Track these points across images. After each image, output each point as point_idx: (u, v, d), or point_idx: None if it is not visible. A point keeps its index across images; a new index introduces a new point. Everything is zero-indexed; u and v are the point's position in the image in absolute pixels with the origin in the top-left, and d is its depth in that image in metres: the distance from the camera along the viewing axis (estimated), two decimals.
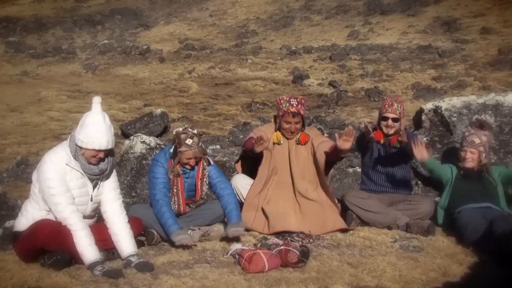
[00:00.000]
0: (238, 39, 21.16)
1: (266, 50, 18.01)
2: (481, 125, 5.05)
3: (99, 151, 3.94)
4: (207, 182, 4.77)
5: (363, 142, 5.24)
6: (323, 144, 4.93)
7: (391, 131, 5.06)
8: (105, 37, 22.55)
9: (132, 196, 5.63)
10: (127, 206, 4.53)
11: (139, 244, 4.37)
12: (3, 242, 4.33)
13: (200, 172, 4.72)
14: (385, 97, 5.18)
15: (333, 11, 23.05)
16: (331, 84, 12.96)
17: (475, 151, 4.91)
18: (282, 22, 22.88)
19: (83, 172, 3.98)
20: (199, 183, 4.73)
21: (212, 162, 4.84)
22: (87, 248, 3.84)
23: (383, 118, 5.05)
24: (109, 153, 4.05)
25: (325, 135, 7.28)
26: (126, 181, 5.67)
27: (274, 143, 4.99)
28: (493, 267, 3.98)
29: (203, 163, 4.71)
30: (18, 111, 10.78)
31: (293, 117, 4.88)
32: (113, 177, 4.22)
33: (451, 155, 5.35)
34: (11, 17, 24.30)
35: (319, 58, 15.97)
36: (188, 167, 4.65)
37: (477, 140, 4.92)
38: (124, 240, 4.06)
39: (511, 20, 17.59)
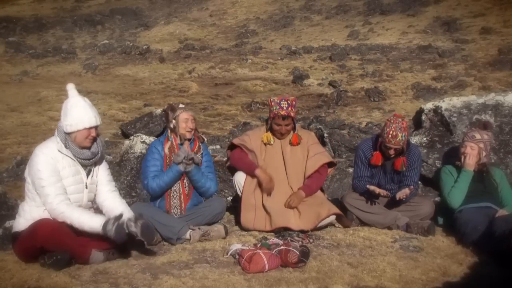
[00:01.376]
0: (238, 39, 21.18)
1: (266, 50, 18.03)
2: (485, 126, 5.06)
3: (90, 128, 3.97)
4: (201, 161, 4.87)
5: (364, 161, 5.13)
6: (316, 157, 5.00)
7: (393, 155, 4.98)
8: (105, 37, 22.58)
9: (132, 196, 5.62)
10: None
11: (139, 244, 4.35)
12: (3, 242, 4.33)
13: (196, 147, 4.83)
14: (389, 121, 4.91)
15: (333, 11, 23.08)
16: (331, 84, 12.97)
17: (474, 146, 4.90)
18: (282, 22, 22.89)
19: (75, 159, 4.00)
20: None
21: (205, 139, 5.01)
22: (91, 220, 3.88)
23: (386, 147, 4.92)
24: (97, 134, 4.09)
25: (325, 134, 7.28)
26: (126, 181, 5.67)
27: (265, 144, 5.02)
28: (493, 267, 3.98)
29: (198, 143, 4.85)
30: (18, 111, 10.79)
31: (283, 119, 4.92)
32: (107, 170, 4.29)
33: (451, 155, 5.34)
34: (11, 17, 24.33)
35: (319, 58, 15.98)
36: (188, 135, 4.73)
37: (477, 136, 4.92)
38: (126, 209, 4.11)
39: (511, 20, 17.61)
